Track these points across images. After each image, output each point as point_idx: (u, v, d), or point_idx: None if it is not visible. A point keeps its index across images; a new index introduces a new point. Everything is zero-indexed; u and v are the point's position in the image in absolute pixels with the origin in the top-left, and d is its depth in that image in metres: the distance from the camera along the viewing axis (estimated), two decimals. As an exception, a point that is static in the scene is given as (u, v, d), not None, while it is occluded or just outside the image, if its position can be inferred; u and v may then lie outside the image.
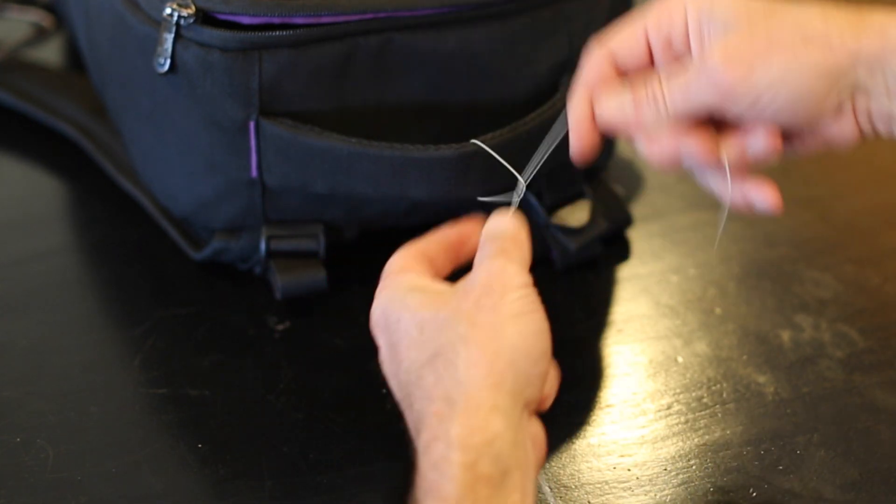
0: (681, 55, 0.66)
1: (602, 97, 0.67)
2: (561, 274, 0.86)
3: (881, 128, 0.65)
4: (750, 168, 0.66)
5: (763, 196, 0.67)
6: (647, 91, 0.65)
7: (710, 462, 0.74)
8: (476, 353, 0.60)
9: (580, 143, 0.68)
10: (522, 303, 0.63)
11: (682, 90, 0.64)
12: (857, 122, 0.64)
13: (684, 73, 0.64)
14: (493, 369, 0.60)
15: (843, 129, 0.65)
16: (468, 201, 0.79)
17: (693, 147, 0.65)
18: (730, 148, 0.65)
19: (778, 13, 0.63)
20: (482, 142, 0.77)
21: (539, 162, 0.70)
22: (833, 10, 0.63)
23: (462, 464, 0.58)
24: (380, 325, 0.65)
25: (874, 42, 0.62)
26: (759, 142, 0.65)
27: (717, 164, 0.66)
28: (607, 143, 0.90)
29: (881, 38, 0.62)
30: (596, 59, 0.67)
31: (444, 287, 0.65)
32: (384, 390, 0.68)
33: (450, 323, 0.62)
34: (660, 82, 0.65)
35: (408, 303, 0.64)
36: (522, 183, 0.71)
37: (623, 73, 0.67)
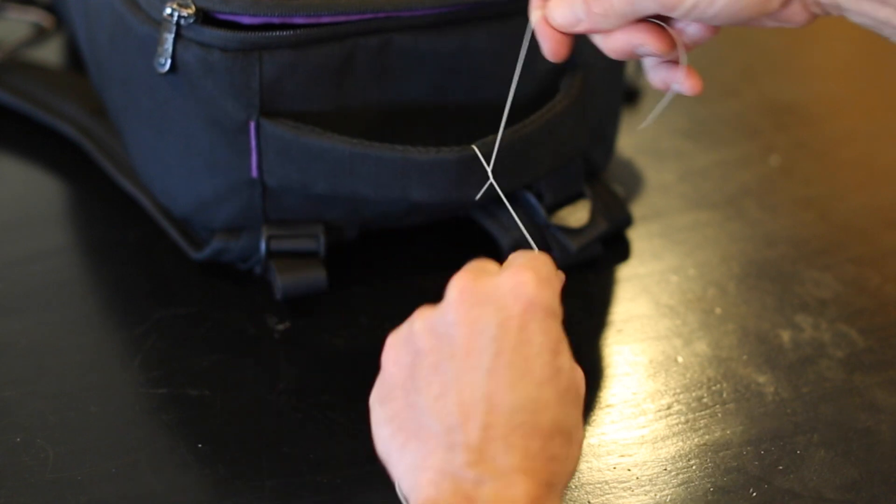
0: None
1: (554, 3, 0.66)
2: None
3: (831, 11, 0.63)
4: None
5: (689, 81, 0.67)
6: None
7: (710, 462, 0.74)
8: None
9: (548, 45, 0.68)
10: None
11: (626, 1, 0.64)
12: (807, 9, 0.63)
13: None
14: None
15: (791, 16, 0.63)
16: (468, 203, 0.79)
17: (643, 40, 0.65)
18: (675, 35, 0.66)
19: None
20: (484, 144, 0.77)
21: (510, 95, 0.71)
22: None
23: None
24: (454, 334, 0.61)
25: None
26: (696, 31, 0.66)
27: (669, 53, 0.66)
28: (607, 144, 0.90)
29: None
30: None
31: None
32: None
33: None
34: None
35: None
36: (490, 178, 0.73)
37: None
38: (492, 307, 0.60)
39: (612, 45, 0.66)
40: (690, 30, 0.66)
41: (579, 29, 0.66)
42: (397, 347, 0.62)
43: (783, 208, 0.94)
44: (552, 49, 0.68)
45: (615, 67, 0.88)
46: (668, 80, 0.67)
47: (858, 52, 1.16)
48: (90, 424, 0.76)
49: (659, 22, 0.66)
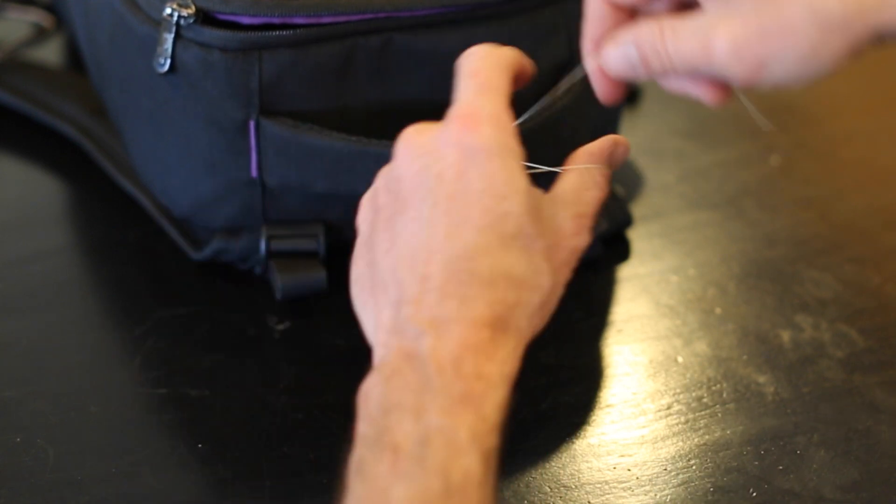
0: None
1: (608, 52, 0.64)
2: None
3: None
4: None
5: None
6: (650, 46, 0.62)
7: (710, 462, 0.74)
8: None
9: (604, 92, 0.66)
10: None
11: (687, 54, 0.61)
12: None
13: (690, 49, 0.60)
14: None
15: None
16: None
17: (699, 92, 0.64)
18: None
19: None
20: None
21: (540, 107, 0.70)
22: None
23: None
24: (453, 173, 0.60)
25: (894, 12, 0.58)
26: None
27: (722, 102, 0.65)
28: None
29: None
30: (594, 7, 0.65)
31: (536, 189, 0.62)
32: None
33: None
34: (665, 47, 0.61)
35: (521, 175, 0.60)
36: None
37: (625, 8, 0.64)
38: (430, 157, 0.60)
39: (669, 85, 0.64)
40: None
41: (636, 77, 0.64)
42: (364, 206, 0.64)
43: (783, 208, 0.94)
44: (608, 95, 0.66)
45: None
46: (689, 90, 0.65)
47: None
48: (90, 424, 0.76)
49: None
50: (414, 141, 0.62)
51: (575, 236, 0.62)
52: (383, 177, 0.63)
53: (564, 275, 0.62)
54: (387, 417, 0.57)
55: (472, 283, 0.58)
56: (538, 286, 0.60)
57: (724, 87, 0.64)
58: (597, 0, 0.65)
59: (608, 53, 0.64)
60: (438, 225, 0.59)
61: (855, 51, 0.59)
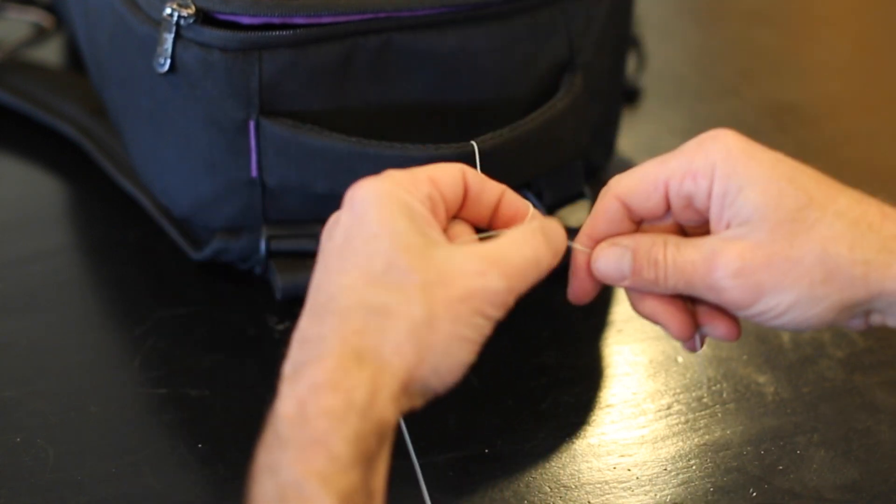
0: (698, 211, 0.63)
1: (603, 250, 0.64)
2: (561, 274, 0.86)
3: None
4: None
5: (722, 331, 0.65)
6: (649, 260, 0.63)
7: (710, 462, 0.74)
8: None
9: (577, 286, 0.66)
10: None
11: (685, 279, 0.62)
12: (867, 322, 0.62)
13: (691, 260, 0.61)
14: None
15: (853, 325, 0.62)
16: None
17: (668, 321, 0.64)
18: (701, 327, 0.65)
19: (806, 220, 0.59)
20: (482, 141, 0.77)
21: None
22: (864, 226, 0.60)
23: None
24: (358, 211, 0.61)
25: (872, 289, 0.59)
26: (721, 331, 0.64)
27: (685, 339, 0.65)
28: (607, 144, 0.90)
29: None
30: (607, 206, 0.64)
31: (441, 239, 0.61)
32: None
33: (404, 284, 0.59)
34: (664, 256, 0.62)
35: (407, 218, 0.60)
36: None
37: (635, 217, 0.65)
38: (332, 222, 0.62)
39: (640, 307, 0.65)
40: (717, 332, 0.64)
41: (618, 284, 0.64)
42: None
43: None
44: (578, 292, 0.66)
45: (616, 67, 0.88)
46: (660, 318, 0.65)
47: (858, 52, 1.16)
48: (90, 424, 0.76)
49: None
50: (349, 193, 0.62)
51: (477, 276, 0.59)
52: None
53: (458, 310, 0.59)
54: (257, 482, 0.57)
55: (326, 322, 0.58)
56: (405, 314, 0.58)
57: (694, 324, 0.64)
58: (611, 198, 0.64)
59: (602, 252, 0.64)
60: (317, 282, 0.60)
61: (849, 309, 0.60)
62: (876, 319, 0.61)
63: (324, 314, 0.59)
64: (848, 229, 0.59)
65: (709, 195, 0.61)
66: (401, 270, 0.59)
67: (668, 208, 0.64)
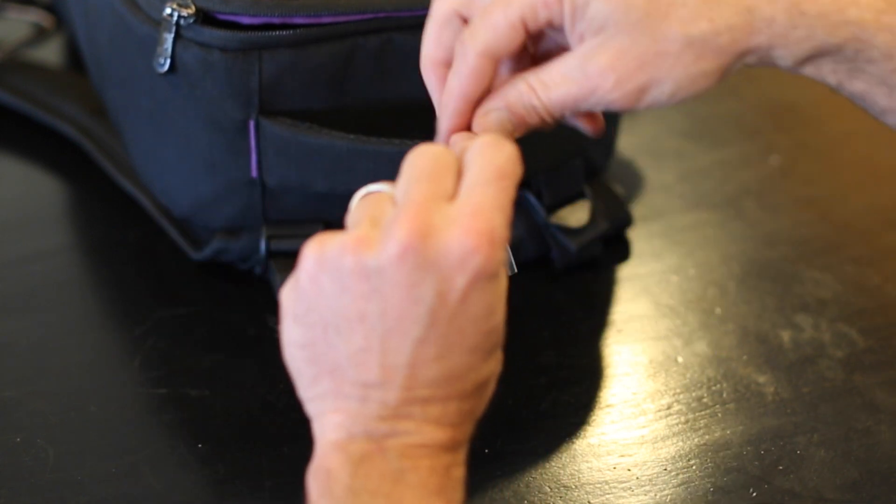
0: (555, 36, 0.63)
1: (478, 122, 0.64)
2: (561, 274, 0.86)
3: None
4: None
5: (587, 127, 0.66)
6: (522, 105, 0.62)
7: (710, 462, 0.74)
8: None
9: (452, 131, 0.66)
10: None
11: (562, 98, 0.61)
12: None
13: (564, 93, 0.61)
14: None
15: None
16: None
17: (579, 123, 0.65)
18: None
19: (659, 9, 0.60)
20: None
21: None
22: None
23: None
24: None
25: (762, 38, 0.60)
26: (587, 127, 0.66)
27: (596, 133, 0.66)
28: (607, 144, 0.90)
29: (769, 29, 0.60)
30: (475, 68, 0.63)
31: None
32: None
33: None
34: (538, 99, 0.62)
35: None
36: None
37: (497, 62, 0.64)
38: (435, 276, 0.57)
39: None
40: (583, 129, 0.65)
41: (514, 136, 0.64)
42: (320, 267, 0.59)
43: (783, 208, 0.94)
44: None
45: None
46: (569, 121, 0.66)
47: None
48: (90, 424, 0.76)
49: None
50: (417, 248, 0.56)
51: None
52: (360, 258, 0.58)
53: None
54: (356, 499, 0.57)
55: (453, 400, 0.58)
56: (495, 379, 0.60)
57: (598, 117, 0.65)
58: (478, 59, 0.62)
59: (481, 122, 0.64)
60: (431, 345, 0.57)
61: (726, 72, 0.61)
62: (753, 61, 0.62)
63: (449, 389, 0.59)
64: (702, 4, 0.60)
65: (561, 15, 0.61)
66: (496, 341, 0.60)
67: (524, 48, 0.64)
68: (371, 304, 0.58)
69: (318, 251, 0.59)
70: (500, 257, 0.58)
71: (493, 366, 0.60)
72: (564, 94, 0.61)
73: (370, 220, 0.59)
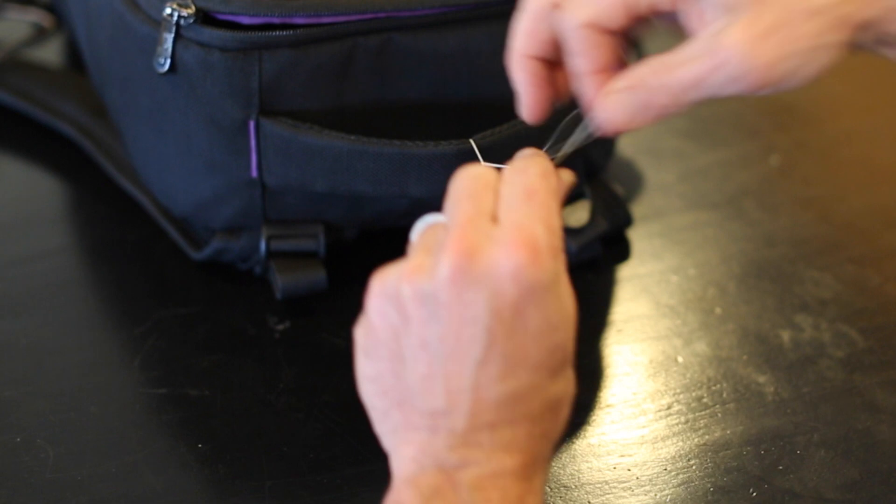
0: (664, 17, 0.61)
1: (601, 104, 0.61)
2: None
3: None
4: None
5: None
6: (654, 81, 0.60)
7: (710, 462, 0.74)
8: None
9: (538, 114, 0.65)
10: None
11: (688, 78, 0.59)
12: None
13: (687, 59, 0.59)
14: None
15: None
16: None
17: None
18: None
19: None
20: (481, 138, 0.77)
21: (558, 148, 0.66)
22: None
23: None
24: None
25: (876, 10, 0.59)
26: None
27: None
28: (607, 144, 0.90)
29: (882, 2, 0.59)
30: (588, 40, 0.61)
31: None
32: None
33: None
34: (666, 69, 0.60)
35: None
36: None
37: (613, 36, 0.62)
38: (486, 292, 0.57)
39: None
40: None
41: (637, 125, 0.62)
42: (384, 299, 0.59)
43: (783, 208, 0.94)
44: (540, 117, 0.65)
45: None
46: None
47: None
48: (90, 424, 0.76)
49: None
50: (465, 268, 0.57)
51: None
52: (415, 285, 0.58)
53: None
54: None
55: (523, 422, 0.58)
56: (569, 403, 0.60)
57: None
58: (583, 30, 0.61)
59: (601, 106, 0.61)
60: (492, 365, 0.57)
61: (847, 47, 0.59)
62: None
63: (516, 413, 0.58)
64: None
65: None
66: (563, 359, 0.59)
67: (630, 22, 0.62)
68: (430, 329, 0.58)
69: (379, 284, 0.60)
70: (551, 267, 0.57)
71: (564, 385, 0.59)
72: (690, 74, 0.59)
73: (424, 248, 0.60)
